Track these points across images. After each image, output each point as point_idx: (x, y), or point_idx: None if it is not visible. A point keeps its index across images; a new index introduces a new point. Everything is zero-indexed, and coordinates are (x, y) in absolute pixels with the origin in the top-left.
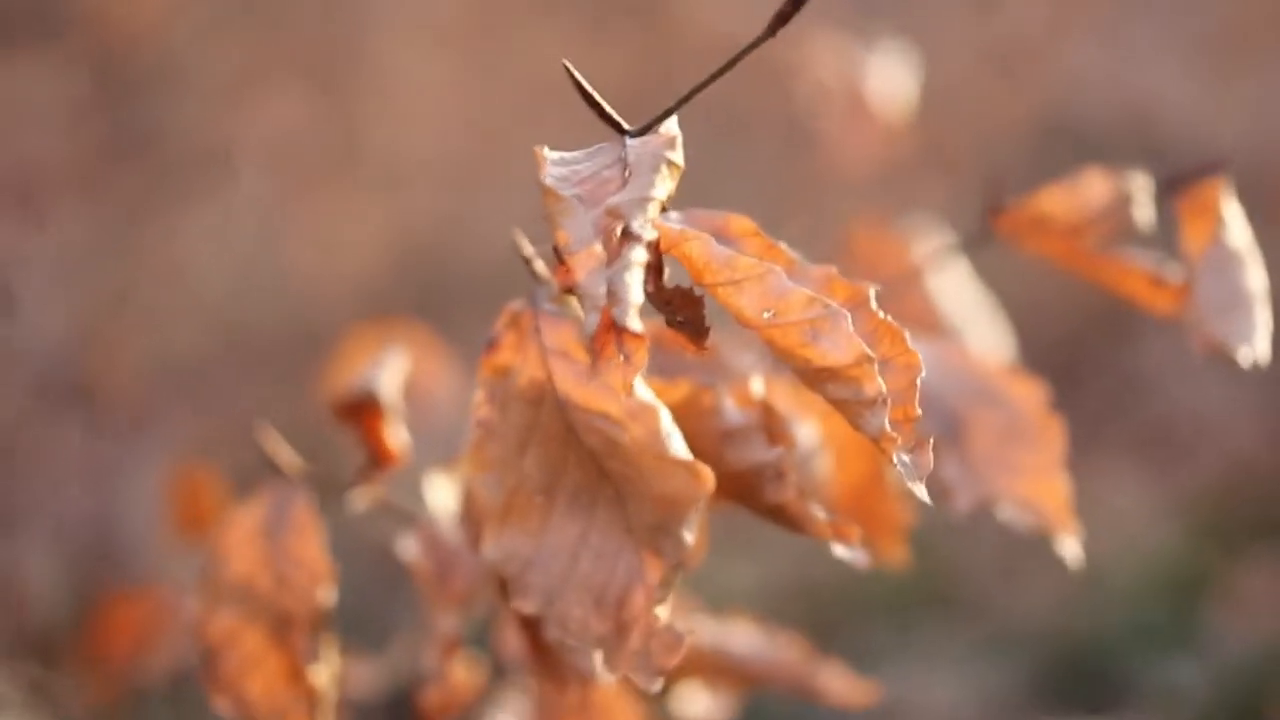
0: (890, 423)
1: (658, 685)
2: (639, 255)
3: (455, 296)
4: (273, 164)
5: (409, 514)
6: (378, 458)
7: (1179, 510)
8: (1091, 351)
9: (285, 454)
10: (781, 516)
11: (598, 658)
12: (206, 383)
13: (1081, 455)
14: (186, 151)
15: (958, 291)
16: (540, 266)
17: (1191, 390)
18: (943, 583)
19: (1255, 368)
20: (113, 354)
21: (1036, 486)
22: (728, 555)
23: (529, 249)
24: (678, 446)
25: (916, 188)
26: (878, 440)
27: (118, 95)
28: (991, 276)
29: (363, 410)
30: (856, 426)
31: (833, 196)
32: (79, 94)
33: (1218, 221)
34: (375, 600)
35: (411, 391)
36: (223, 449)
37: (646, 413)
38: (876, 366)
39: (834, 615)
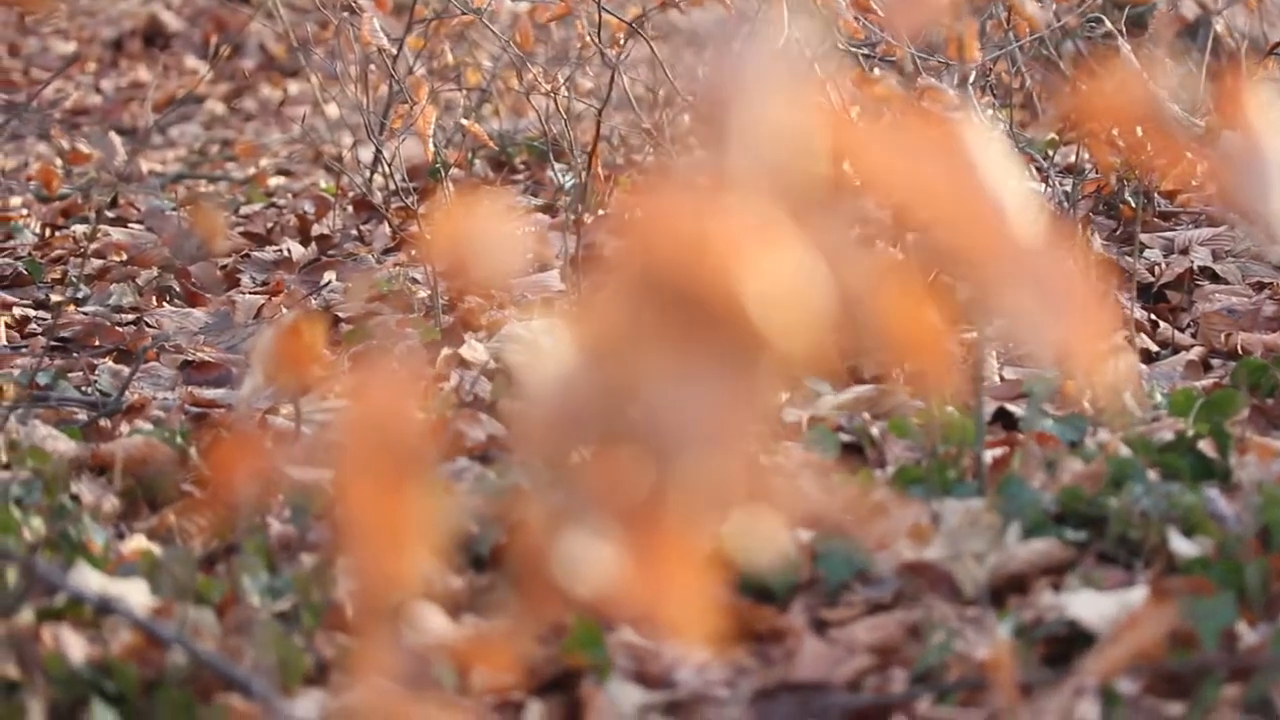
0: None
1: (750, 517)
2: None
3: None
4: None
5: (507, 361)
6: (481, 311)
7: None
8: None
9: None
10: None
11: (694, 487)
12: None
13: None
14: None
15: (1002, 160)
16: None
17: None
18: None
19: None
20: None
21: (1070, 340)
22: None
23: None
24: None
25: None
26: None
27: None
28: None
29: (465, 264)
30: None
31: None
32: None
33: (1251, 98)
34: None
35: (500, 247)
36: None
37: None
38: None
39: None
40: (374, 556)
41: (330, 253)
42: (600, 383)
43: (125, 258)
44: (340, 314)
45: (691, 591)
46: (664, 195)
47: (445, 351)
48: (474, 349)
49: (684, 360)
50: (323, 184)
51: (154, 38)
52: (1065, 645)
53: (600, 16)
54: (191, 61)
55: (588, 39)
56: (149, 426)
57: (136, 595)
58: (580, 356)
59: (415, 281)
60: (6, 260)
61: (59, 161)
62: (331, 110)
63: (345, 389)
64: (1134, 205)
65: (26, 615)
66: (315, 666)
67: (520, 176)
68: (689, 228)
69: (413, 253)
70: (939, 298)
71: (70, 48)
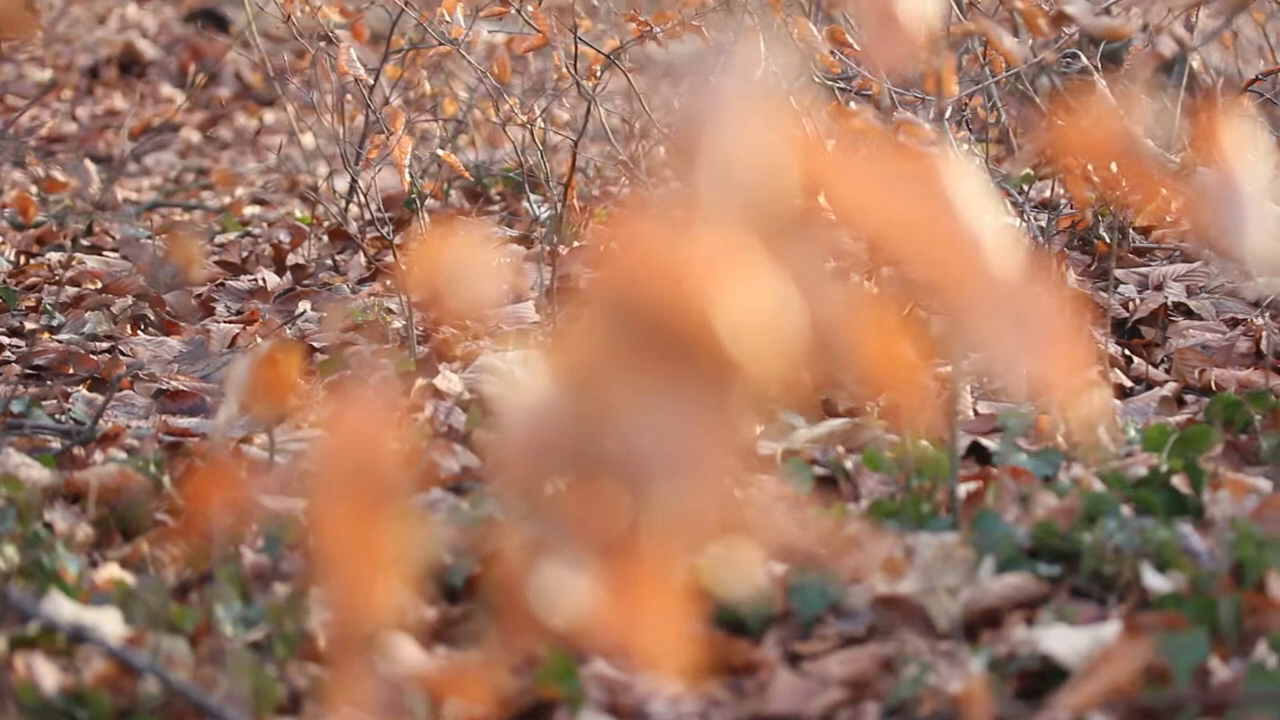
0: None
1: (725, 549)
2: None
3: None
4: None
5: (482, 392)
6: (457, 342)
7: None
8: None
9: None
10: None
11: (668, 518)
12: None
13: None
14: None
15: (979, 194)
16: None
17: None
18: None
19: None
20: (191, 245)
21: (1045, 375)
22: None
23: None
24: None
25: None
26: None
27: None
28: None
29: (443, 296)
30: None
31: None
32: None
33: (1226, 134)
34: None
35: (476, 277)
36: (313, 332)
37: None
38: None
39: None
40: (347, 587)
41: (305, 282)
42: (574, 414)
43: (100, 286)
44: (315, 344)
45: (666, 624)
46: (637, 225)
47: (420, 382)
48: (449, 380)
49: (657, 391)
50: (298, 213)
51: (130, 66)
52: (1039, 680)
53: (576, 48)
54: (167, 90)
55: (564, 70)
56: (123, 455)
57: (109, 624)
58: (555, 388)
59: (390, 312)
60: None
61: (34, 189)
62: (307, 140)
63: (319, 419)
64: (1109, 241)
65: None
66: (288, 696)
67: (496, 207)
68: (661, 257)
69: (388, 283)
70: (914, 331)
71: (46, 75)
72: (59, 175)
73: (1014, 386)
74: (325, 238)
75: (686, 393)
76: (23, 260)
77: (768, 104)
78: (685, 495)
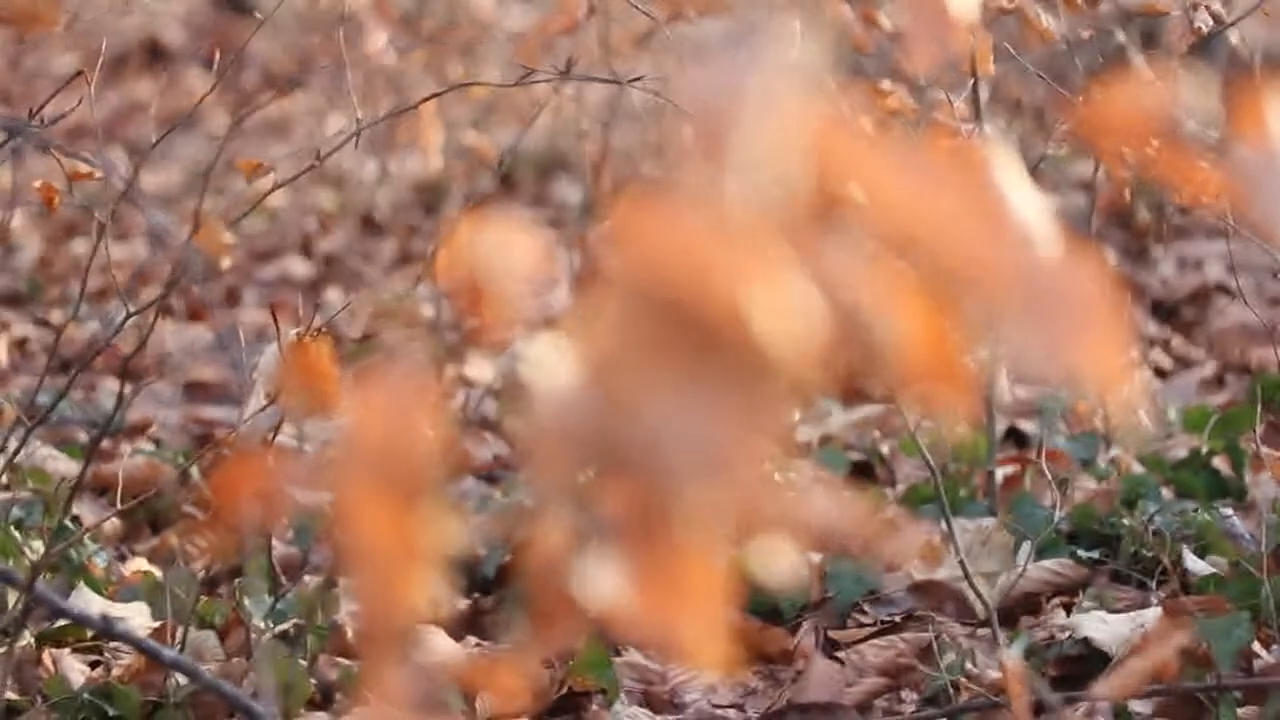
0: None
1: (765, 543)
2: None
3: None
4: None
5: (513, 379)
6: (489, 330)
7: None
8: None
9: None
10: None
11: (702, 516)
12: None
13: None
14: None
15: (1018, 182)
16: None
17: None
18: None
19: None
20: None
21: (1091, 359)
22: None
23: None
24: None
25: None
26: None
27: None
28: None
29: (477, 288)
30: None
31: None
32: None
33: (1266, 110)
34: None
35: (506, 263)
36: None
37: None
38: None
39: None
40: (377, 578)
41: (334, 270)
42: (600, 405)
43: (127, 276)
44: (345, 332)
45: (700, 614)
46: (659, 211)
47: (450, 370)
48: (479, 367)
49: (681, 382)
50: (326, 200)
51: (156, 53)
52: (1078, 665)
53: (607, 30)
54: (194, 77)
55: (595, 52)
56: (151, 446)
57: (138, 617)
58: (580, 377)
59: (420, 299)
60: (6, 279)
61: (60, 179)
62: (336, 125)
63: (348, 407)
64: (1148, 220)
65: (27, 638)
66: (318, 689)
67: (527, 192)
68: (685, 243)
69: (418, 270)
70: (952, 316)
71: (71, 64)
72: (84, 165)
73: (1051, 370)
74: (354, 225)
75: (711, 383)
76: (49, 251)
77: (799, 83)
78: (713, 488)
